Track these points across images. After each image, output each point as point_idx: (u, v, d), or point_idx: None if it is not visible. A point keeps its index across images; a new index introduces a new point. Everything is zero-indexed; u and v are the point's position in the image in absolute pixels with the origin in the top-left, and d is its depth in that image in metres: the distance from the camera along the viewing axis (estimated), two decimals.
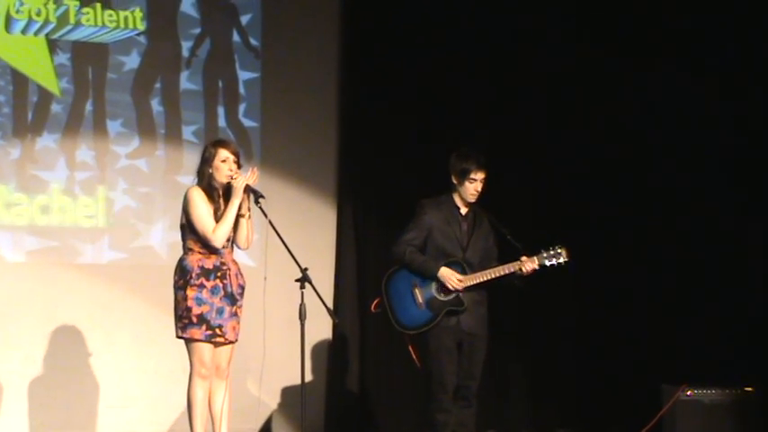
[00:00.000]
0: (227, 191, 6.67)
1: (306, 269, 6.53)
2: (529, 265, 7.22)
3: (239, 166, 6.72)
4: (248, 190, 6.64)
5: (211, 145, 6.78)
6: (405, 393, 8.93)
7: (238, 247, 6.81)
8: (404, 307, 7.35)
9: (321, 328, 8.63)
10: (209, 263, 6.64)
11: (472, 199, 7.37)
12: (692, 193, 8.96)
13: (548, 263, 7.27)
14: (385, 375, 9.07)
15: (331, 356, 9.03)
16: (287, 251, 6.51)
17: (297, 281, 6.53)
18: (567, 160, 9.29)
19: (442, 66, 9.19)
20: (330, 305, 8.85)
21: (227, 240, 6.69)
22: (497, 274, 7.26)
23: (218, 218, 6.62)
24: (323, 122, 9.16)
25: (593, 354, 9.24)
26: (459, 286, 7.24)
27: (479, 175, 7.33)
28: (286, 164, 9.01)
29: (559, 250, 7.27)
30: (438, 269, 7.26)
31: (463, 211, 7.42)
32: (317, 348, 8.93)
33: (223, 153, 6.68)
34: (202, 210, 6.62)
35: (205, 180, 6.70)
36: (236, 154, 6.72)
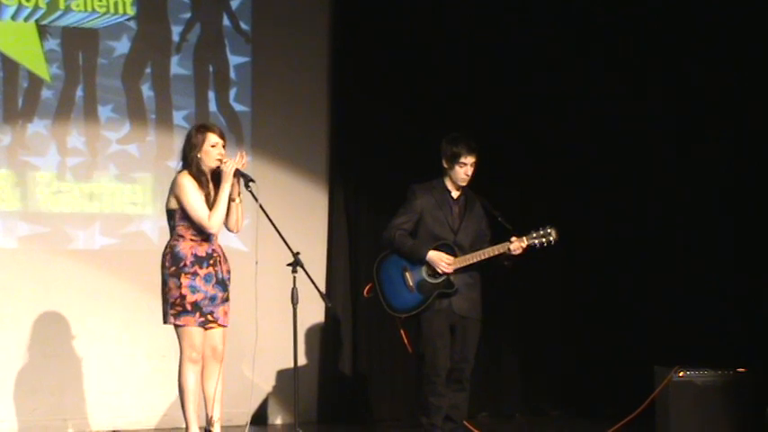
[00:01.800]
0: (216, 176, 6.63)
1: (298, 253, 6.53)
2: (517, 245, 7.21)
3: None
4: (238, 174, 6.61)
5: (197, 130, 6.69)
6: (397, 377, 8.96)
7: (228, 230, 6.77)
8: (395, 290, 7.35)
9: (314, 312, 8.63)
10: (202, 250, 6.61)
11: (463, 183, 7.37)
12: (688, 177, 8.97)
13: (537, 242, 7.26)
14: (378, 359, 9.08)
15: (324, 340, 9.03)
16: (278, 235, 6.50)
17: (288, 265, 6.53)
18: (562, 144, 9.33)
19: (434, 49, 9.19)
20: (322, 289, 8.86)
21: None
22: (486, 256, 7.26)
23: (210, 204, 6.59)
24: (314, 107, 9.15)
25: (585, 336, 9.26)
26: (449, 269, 7.24)
27: (469, 160, 7.33)
28: (277, 148, 9.00)
29: (549, 230, 7.26)
30: (427, 252, 7.26)
31: (454, 194, 7.42)
32: (309, 332, 8.93)
33: (212, 138, 6.62)
34: (196, 197, 6.57)
35: (193, 165, 6.63)
36: (223, 138, 6.69)
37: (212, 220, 6.57)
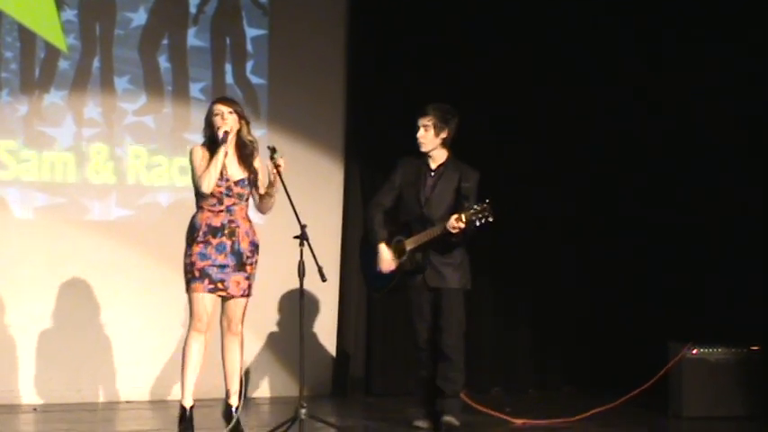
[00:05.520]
0: (238, 150, 6.68)
1: (305, 226, 6.48)
2: (454, 223, 7.01)
3: (241, 118, 6.69)
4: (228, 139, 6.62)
5: (210, 104, 6.80)
6: (409, 351, 8.94)
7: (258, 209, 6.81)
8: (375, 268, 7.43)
9: (328, 285, 8.57)
10: (217, 221, 6.63)
11: (420, 148, 7.33)
12: (702, 150, 8.94)
13: (475, 219, 6.99)
14: (390, 333, 9.09)
15: (338, 314, 9.04)
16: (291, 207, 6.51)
17: (295, 237, 6.51)
18: (569, 125, 9.32)
19: (453, 24, 9.17)
20: (337, 263, 8.89)
21: (240, 197, 6.66)
22: (430, 237, 7.14)
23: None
24: (330, 79, 9.14)
25: (599, 312, 9.26)
26: (386, 268, 7.28)
27: (420, 122, 7.32)
28: (293, 121, 9.00)
29: (485, 206, 6.96)
30: (378, 244, 7.32)
31: (433, 165, 7.35)
32: (323, 306, 8.95)
33: (216, 108, 6.69)
34: (198, 163, 6.64)
35: (207, 137, 6.72)
36: (229, 105, 6.69)
37: (202, 177, 6.57)
